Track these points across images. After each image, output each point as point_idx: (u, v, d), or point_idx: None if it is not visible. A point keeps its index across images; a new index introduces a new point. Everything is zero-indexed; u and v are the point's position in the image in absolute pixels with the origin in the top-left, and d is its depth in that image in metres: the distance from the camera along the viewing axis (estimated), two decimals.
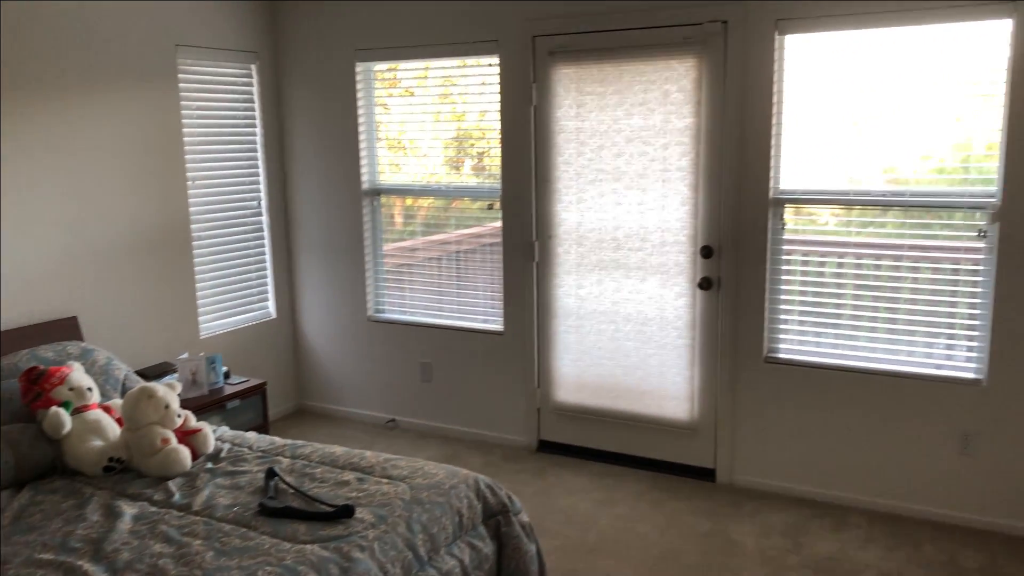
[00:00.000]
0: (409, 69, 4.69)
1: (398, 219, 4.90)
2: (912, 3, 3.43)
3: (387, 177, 4.84)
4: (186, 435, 2.98)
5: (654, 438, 4.27)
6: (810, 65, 3.72)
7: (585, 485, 4.12)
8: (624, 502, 3.93)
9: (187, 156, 4.44)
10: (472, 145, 4.58)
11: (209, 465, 2.95)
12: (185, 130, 4.43)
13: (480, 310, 4.68)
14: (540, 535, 3.61)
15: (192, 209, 4.50)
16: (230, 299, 4.81)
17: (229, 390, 4.10)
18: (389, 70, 4.76)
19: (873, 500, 3.81)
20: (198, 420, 3.82)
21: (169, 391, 3.00)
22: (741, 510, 3.84)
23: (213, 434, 3.18)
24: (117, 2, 4.00)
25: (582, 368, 4.39)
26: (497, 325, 4.61)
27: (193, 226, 4.51)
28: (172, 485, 2.78)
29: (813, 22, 3.63)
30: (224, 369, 4.26)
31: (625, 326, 4.24)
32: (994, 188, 3.45)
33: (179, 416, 2.97)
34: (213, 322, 4.69)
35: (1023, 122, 3.32)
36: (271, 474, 2.78)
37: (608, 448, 4.39)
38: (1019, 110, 3.32)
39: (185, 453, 2.89)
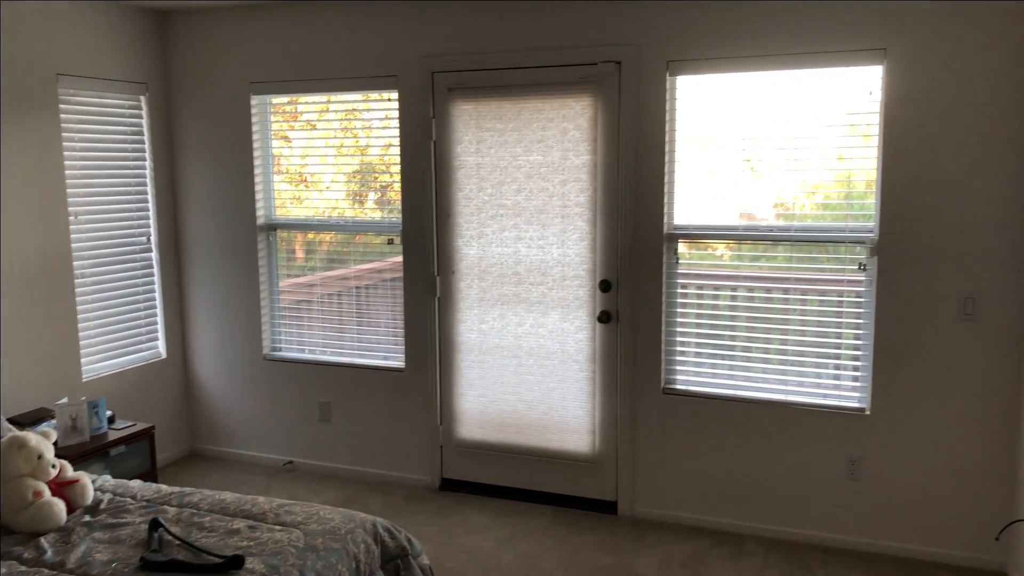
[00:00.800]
0: (310, 103, 4.62)
1: (296, 254, 4.79)
2: (792, 50, 3.60)
3: (285, 211, 4.73)
4: (61, 486, 2.80)
5: (557, 472, 4.27)
6: (701, 104, 3.85)
7: (488, 523, 4.07)
8: (528, 539, 3.90)
9: (69, 189, 4.24)
10: (376, 179, 4.54)
11: (87, 518, 2.77)
12: (67, 163, 4.22)
13: (381, 347, 4.60)
14: None
15: (75, 245, 4.28)
16: (116, 339, 4.58)
17: (113, 436, 3.88)
18: (290, 103, 4.68)
19: (768, 527, 3.91)
20: (77, 469, 3.61)
21: (43, 440, 2.81)
22: (642, 542, 3.87)
23: (93, 484, 3.00)
24: None
25: (485, 404, 4.36)
26: (398, 362, 4.54)
27: (76, 262, 4.29)
28: (44, 541, 2.59)
29: (702, 64, 3.77)
30: (108, 413, 4.04)
31: (528, 360, 4.25)
32: (872, 224, 3.64)
33: (53, 467, 2.79)
34: (98, 363, 4.45)
35: (896, 161, 3.52)
36: (155, 525, 2.63)
37: (512, 484, 4.36)
38: (892, 150, 3.52)
39: (59, 506, 2.70)
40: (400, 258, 4.44)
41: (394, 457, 4.58)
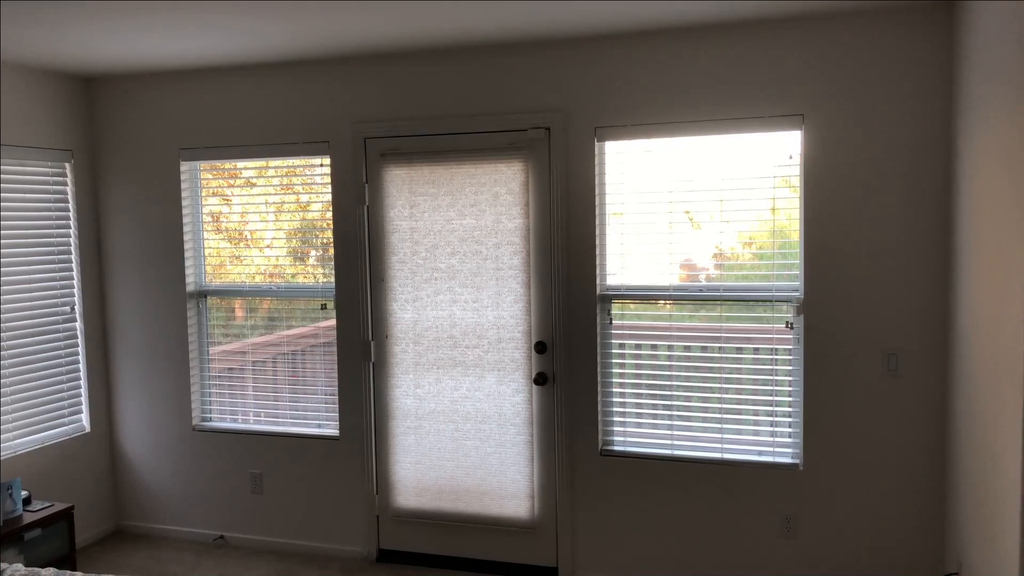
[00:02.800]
0: (248, 166, 4.57)
1: (227, 320, 4.69)
2: (714, 116, 3.71)
3: (222, 273, 4.65)
4: None
5: (497, 539, 4.20)
6: (629, 166, 3.93)
7: None
8: None
9: None
10: (316, 237, 4.48)
11: None
12: None
13: (315, 414, 4.51)
14: None
15: None
16: (37, 413, 4.39)
17: (29, 518, 3.71)
18: (234, 163, 4.60)
19: None
20: None
21: None
22: None
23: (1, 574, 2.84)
24: None
25: (422, 471, 4.28)
26: (332, 430, 4.44)
27: None
28: None
29: (628, 129, 3.85)
30: (24, 494, 3.86)
31: (465, 425, 4.20)
32: (797, 283, 3.72)
33: None
34: (16, 440, 4.26)
35: (817, 222, 3.62)
36: None
37: (450, 553, 4.27)
38: (813, 211, 3.63)
39: None
40: (333, 322, 4.38)
41: (329, 528, 4.45)
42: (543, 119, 3.95)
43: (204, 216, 4.65)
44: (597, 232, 3.94)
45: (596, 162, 3.92)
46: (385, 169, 4.22)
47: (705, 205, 3.83)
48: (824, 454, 3.69)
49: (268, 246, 4.56)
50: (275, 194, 4.53)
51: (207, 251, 4.66)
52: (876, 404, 3.61)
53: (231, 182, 4.67)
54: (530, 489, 4.12)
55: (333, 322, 4.39)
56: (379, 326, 4.31)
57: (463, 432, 4.20)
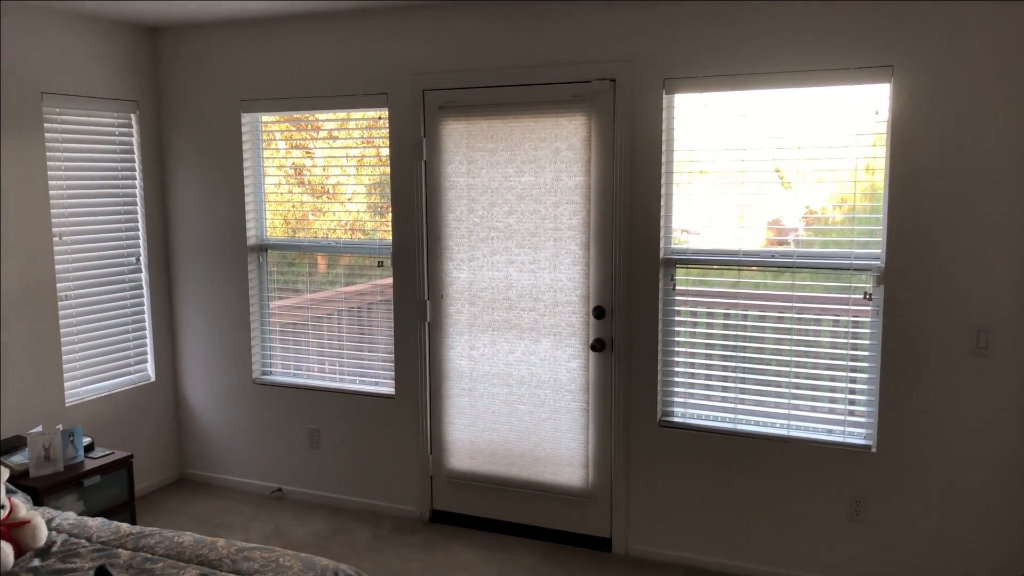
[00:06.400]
0: (329, 118, 4.46)
1: (287, 275, 4.67)
2: (794, 67, 3.41)
3: (284, 230, 4.61)
4: (10, 528, 2.68)
5: (549, 506, 4.09)
6: (700, 123, 3.67)
7: (476, 559, 3.90)
8: None
9: (54, 210, 4.15)
10: (378, 192, 4.37)
11: (35, 563, 2.65)
12: (52, 182, 4.14)
13: (371, 372, 4.46)
14: None
15: (59, 266, 4.19)
16: (103, 362, 4.48)
17: (90, 465, 3.78)
18: (312, 116, 4.52)
19: (768, 569, 3.70)
20: (49, 501, 3.51)
21: None
22: None
23: (50, 523, 2.88)
24: None
25: (475, 433, 4.20)
26: (388, 388, 4.39)
27: (59, 284, 4.20)
28: None
29: (700, 82, 3.59)
30: (87, 441, 3.94)
31: (519, 389, 4.08)
32: (878, 251, 3.43)
33: (2, 507, 2.67)
34: (82, 388, 4.35)
35: (903, 184, 3.31)
36: (101, 573, 2.50)
37: (502, 517, 4.19)
38: (899, 173, 3.31)
39: (5, 551, 2.58)
40: (390, 281, 4.30)
41: (383, 487, 4.43)
42: (608, 70, 3.72)
43: (272, 169, 4.60)
44: (663, 192, 3.72)
45: (664, 116, 3.68)
46: (443, 123, 4.07)
47: (778, 170, 3.55)
48: (900, 436, 3.43)
49: (348, 199, 4.48)
50: (356, 147, 4.42)
51: (271, 204, 4.62)
52: (961, 385, 3.32)
53: (313, 135, 4.58)
54: (584, 457, 3.99)
55: (391, 280, 4.31)
56: (435, 286, 4.20)
57: (517, 396, 4.08)
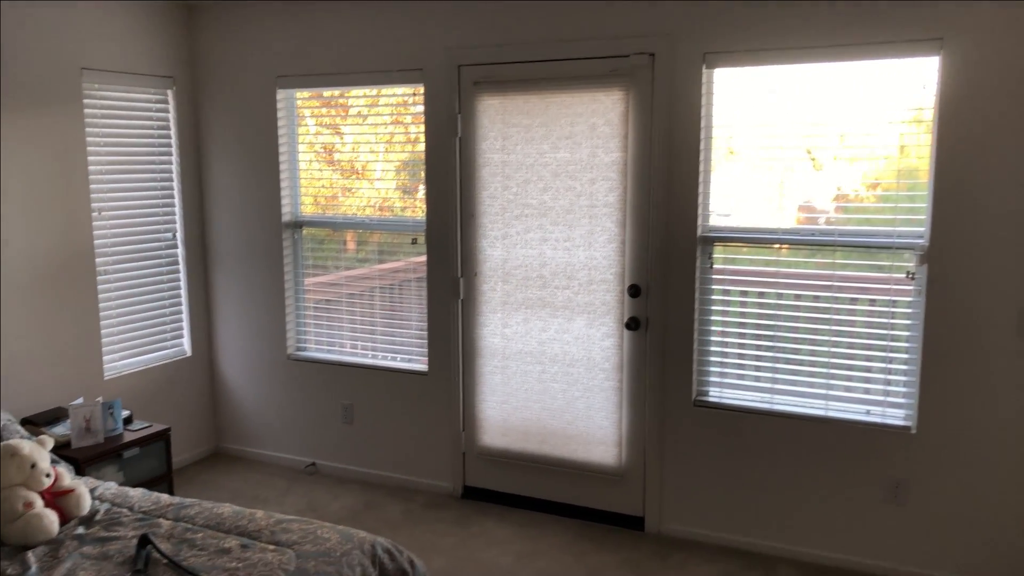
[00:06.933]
0: (356, 94, 4.46)
1: (321, 252, 4.68)
2: (839, 40, 3.34)
3: (317, 208, 4.62)
4: (56, 496, 2.73)
5: (582, 485, 4.09)
6: (740, 99, 3.61)
7: (508, 535, 3.91)
8: (548, 554, 3.73)
9: (92, 185, 4.19)
10: (411, 171, 4.36)
11: (80, 530, 2.69)
12: (91, 158, 4.18)
13: (405, 349, 4.47)
14: None
15: (97, 241, 4.24)
16: (140, 336, 4.54)
17: (128, 437, 3.83)
18: (342, 95, 4.52)
19: (803, 550, 3.67)
20: (90, 472, 3.57)
21: (38, 448, 2.74)
22: (668, 562, 3.67)
23: (92, 492, 2.93)
24: (17, 22, 3.76)
25: (508, 411, 4.20)
26: (422, 365, 4.40)
27: (99, 259, 4.25)
28: (31, 556, 2.52)
29: (741, 56, 3.53)
30: (126, 414, 3.99)
31: (552, 367, 4.07)
32: (922, 229, 3.36)
33: (48, 476, 2.71)
34: (120, 361, 4.41)
35: (950, 160, 3.23)
36: (144, 542, 2.53)
37: (535, 495, 4.20)
38: (946, 148, 3.24)
39: (50, 518, 2.63)
40: (424, 258, 4.30)
41: (416, 462, 4.45)
42: (647, 44, 3.66)
43: (306, 147, 4.61)
44: (701, 168, 3.67)
45: (704, 91, 3.62)
46: (478, 99, 4.04)
47: (820, 147, 3.48)
48: (941, 418, 3.37)
49: (378, 179, 4.47)
50: (384, 126, 4.41)
51: (303, 181, 4.63)
52: (1005, 367, 3.25)
53: (343, 115, 4.57)
54: (618, 436, 3.97)
55: (423, 258, 4.30)
56: (468, 263, 4.19)
57: (550, 374, 4.07)
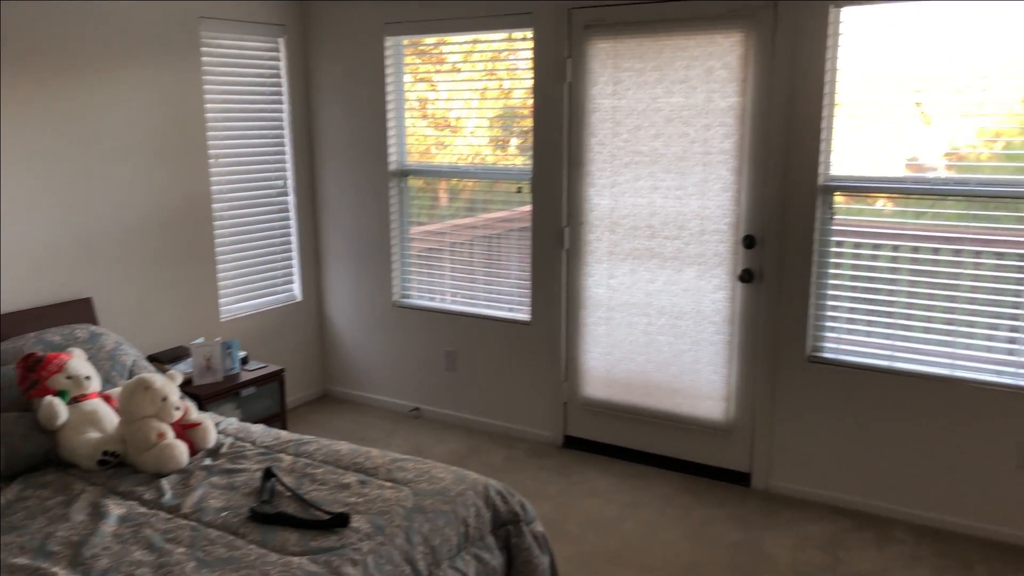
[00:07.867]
0: (454, 43, 4.43)
1: (427, 201, 4.71)
2: None
3: (427, 156, 4.63)
4: (185, 429, 2.85)
5: (686, 438, 4.03)
6: (869, 40, 3.40)
7: (611, 486, 3.91)
8: (651, 505, 3.71)
9: (209, 134, 4.31)
10: (518, 123, 4.32)
11: (207, 462, 2.81)
12: (208, 106, 4.28)
13: (507, 298, 4.47)
14: (559, 539, 3.42)
15: (214, 188, 4.37)
16: (253, 281, 4.68)
17: (245, 376, 3.97)
18: (436, 45, 4.50)
19: (920, 513, 3.53)
20: (209, 408, 3.72)
21: (168, 382, 2.87)
22: (776, 519, 3.59)
23: (215, 428, 3.05)
24: None
25: (612, 362, 4.16)
26: (524, 315, 4.40)
27: (215, 205, 4.38)
28: (165, 483, 2.64)
29: None
30: (242, 354, 4.14)
31: (659, 319, 4.00)
32: None
33: (177, 409, 2.84)
34: (235, 304, 4.57)
35: None
36: (268, 475, 2.63)
37: (637, 447, 4.17)
38: None
39: (181, 449, 2.75)
40: (529, 207, 4.26)
41: (518, 410, 4.48)
42: None
43: (410, 100, 4.61)
44: (824, 114, 3.49)
45: (830, 32, 3.42)
46: (589, 42, 3.94)
47: (952, 91, 3.25)
48: None
49: (472, 133, 4.45)
50: (478, 80, 4.36)
51: (409, 135, 4.64)
52: None
53: (438, 67, 4.55)
54: (726, 391, 3.89)
55: (528, 208, 4.27)
56: (574, 212, 4.14)
57: (656, 327, 4.01)
